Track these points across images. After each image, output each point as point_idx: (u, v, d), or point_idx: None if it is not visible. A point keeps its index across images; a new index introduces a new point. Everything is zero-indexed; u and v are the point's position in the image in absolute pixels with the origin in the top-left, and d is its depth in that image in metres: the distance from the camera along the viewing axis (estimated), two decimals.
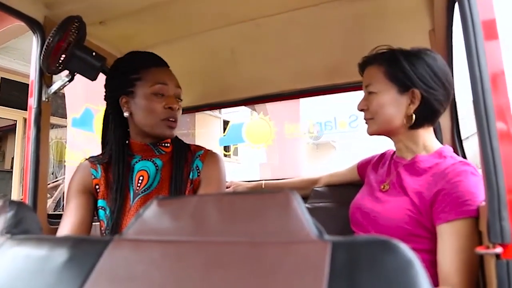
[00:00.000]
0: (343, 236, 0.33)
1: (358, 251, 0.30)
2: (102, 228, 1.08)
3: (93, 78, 1.13)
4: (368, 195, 1.06)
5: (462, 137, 1.32)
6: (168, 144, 1.12)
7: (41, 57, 1.07)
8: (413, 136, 0.99)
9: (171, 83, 1.07)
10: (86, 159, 1.14)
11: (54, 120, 5.49)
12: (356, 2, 1.18)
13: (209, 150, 1.15)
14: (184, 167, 1.09)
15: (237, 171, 8.03)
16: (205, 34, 1.36)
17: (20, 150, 5.86)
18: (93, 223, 1.10)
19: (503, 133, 0.62)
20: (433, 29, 1.22)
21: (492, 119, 0.61)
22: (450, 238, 0.82)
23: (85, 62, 1.10)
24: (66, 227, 1.01)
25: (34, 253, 0.41)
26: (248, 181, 1.65)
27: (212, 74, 1.64)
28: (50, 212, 1.33)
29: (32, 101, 1.15)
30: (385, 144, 1.21)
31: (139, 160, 1.09)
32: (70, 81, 1.15)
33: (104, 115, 1.14)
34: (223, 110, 8.23)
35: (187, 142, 1.18)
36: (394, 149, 1.09)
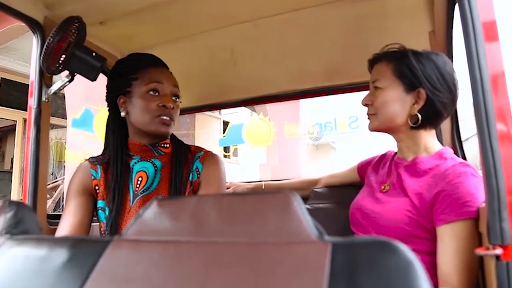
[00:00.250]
0: (343, 237, 0.33)
1: (358, 252, 0.30)
2: (101, 229, 1.08)
3: (93, 78, 1.13)
4: (368, 196, 1.06)
5: (462, 139, 1.32)
6: (168, 145, 1.12)
7: (41, 58, 1.06)
8: (414, 137, 0.99)
9: (166, 82, 1.07)
10: (86, 159, 1.14)
11: (54, 120, 5.49)
12: (356, 3, 1.18)
13: (209, 152, 1.15)
14: (184, 168, 1.09)
15: (237, 172, 8.03)
16: (205, 35, 1.36)
17: (20, 150, 5.85)
18: (93, 224, 1.10)
19: (503, 134, 0.62)
20: (433, 30, 1.23)
21: (492, 120, 0.61)
22: (450, 239, 0.82)
23: (85, 63, 1.10)
24: (65, 228, 1.01)
25: (34, 254, 0.41)
26: (248, 182, 1.65)
27: (212, 75, 1.64)
28: (50, 213, 1.33)
29: (32, 102, 1.15)
30: (385, 145, 1.21)
31: (138, 161, 1.09)
32: (70, 81, 1.15)
33: (108, 117, 1.16)
34: (223, 111, 8.24)
35: (187, 143, 1.18)
36: (395, 150, 1.09)
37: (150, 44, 1.41)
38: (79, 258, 0.38)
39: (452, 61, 1.19)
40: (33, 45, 1.17)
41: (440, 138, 1.27)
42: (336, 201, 1.38)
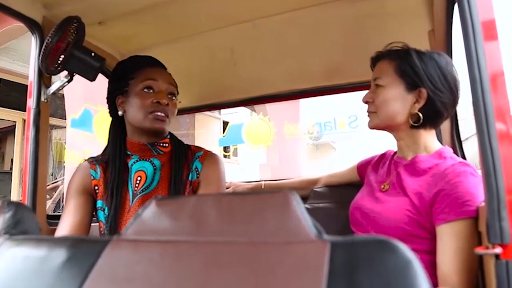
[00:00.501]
0: (342, 236, 0.33)
1: (357, 251, 0.30)
2: (101, 229, 1.08)
3: (92, 78, 1.13)
4: (368, 195, 1.06)
5: (462, 138, 1.32)
6: (167, 144, 1.12)
7: (40, 58, 1.06)
8: (414, 136, 0.99)
9: (161, 80, 1.08)
10: (86, 160, 1.14)
11: (53, 121, 5.49)
12: (356, 2, 1.18)
13: (209, 151, 1.15)
14: (183, 168, 1.09)
15: (237, 172, 8.03)
16: (204, 35, 1.36)
17: (20, 151, 5.85)
18: (93, 224, 1.10)
19: (502, 133, 0.62)
20: (432, 30, 1.23)
21: (491, 119, 0.61)
22: (449, 238, 0.82)
23: (84, 63, 1.10)
24: (64, 228, 1.01)
25: (33, 254, 0.41)
26: (248, 182, 1.65)
27: (212, 75, 1.64)
28: (50, 213, 1.33)
29: (31, 102, 1.15)
30: (385, 145, 1.21)
31: (137, 161, 1.09)
32: (69, 81, 1.15)
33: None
34: (222, 111, 8.24)
35: (187, 143, 1.19)
36: (395, 149, 1.09)
37: (149, 44, 1.41)
38: (78, 258, 0.38)
39: (451, 60, 1.19)
40: (32, 46, 1.17)
41: (439, 138, 1.27)
42: (335, 200, 1.38)
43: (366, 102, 1.05)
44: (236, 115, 7.60)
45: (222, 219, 0.37)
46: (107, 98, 1.15)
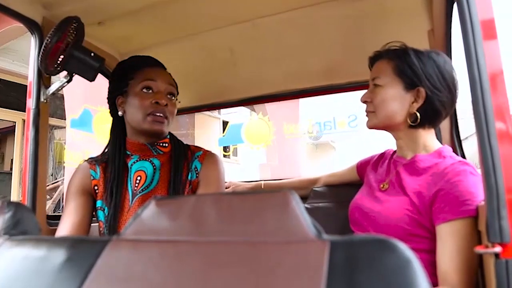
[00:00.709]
0: (341, 236, 0.33)
1: (357, 251, 0.30)
2: (101, 229, 1.08)
3: (91, 78, 1.13)
4: (367, 195, 1.06)
5: (461, 138, 1.32)
6: (166, 144, 1.12)
7: (39, 58, 1.06)
8: (413, 135, 0.99)
9: (160, 80, 1.08)
10: (85, 160, 1.14)
11: (53, 121, 5.49)
12: (355, 2, 1.18)
13: (208, 151, 1.15)
14: (183, 167, 1.09)
15: (237, 172, 8.03)
16: (204, 35, 1.36)
17: (20, 151, 5.85)
18: (92, 224, 1.10)
19: (502, 132, 0.62)
20: (432, 29, 1.22)
21: (491, 118, 0.61)
22: (449, 237, 0.82)
23: (83, 63, 1.10)
24: (64, 228, 1.01)
25: (33, 254, 0.41)
26: (248, 182, 1.65)
27: (211, 75, 1.64)
28: (50, 214, 1.33)
29: (31, 102, 1.15)
30: (384, 144, 1.21)
31: (136, 160, 1.09)
32: (68, 82, 1.15)
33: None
34: (222, 110, 8.24)
35: (187, 143, 1.19)
36: (394, 148, 1.09)
37: (149, 44, 1.41)
38: (78, 258, 0.38)
39: (451, 59, 1.19)
40: (31, 46, 1.17)
41: (439, 137, 1.27)
42: (335, 200, 1.38)
43: (364, 102, 1.05)
44: (235, 115, 7.61)
45: (221, 219, 0.37)
46: (107, 98, 1.15)
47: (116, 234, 0.39)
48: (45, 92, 1.16)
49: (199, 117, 7.65)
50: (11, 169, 6.18)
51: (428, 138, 0.99)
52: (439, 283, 0.82)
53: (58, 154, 5.97)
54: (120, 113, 1.10)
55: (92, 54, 1.11)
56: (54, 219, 1.25)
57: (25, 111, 1.18)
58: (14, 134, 5.99)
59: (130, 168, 1.09)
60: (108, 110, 1.16)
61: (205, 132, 7.80)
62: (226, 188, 1.60)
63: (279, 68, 1.56)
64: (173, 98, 1.11)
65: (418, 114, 0.95)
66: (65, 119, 4.14)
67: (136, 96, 1.06)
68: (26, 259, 0.40)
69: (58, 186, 5.20)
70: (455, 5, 0.76)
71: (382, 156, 1.18)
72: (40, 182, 1.13)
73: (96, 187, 1.09)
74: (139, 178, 1.07)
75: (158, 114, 1.05)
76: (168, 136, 1.14)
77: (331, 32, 1.33)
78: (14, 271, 0.40)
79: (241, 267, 0.32)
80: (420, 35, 1.25)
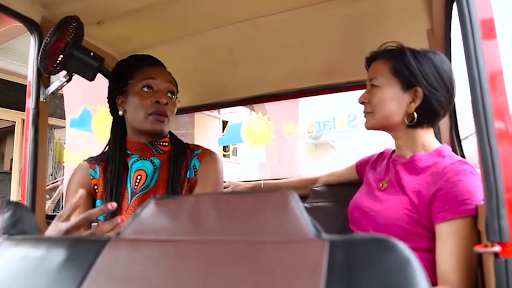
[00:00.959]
0: (340, 235, 0.33)
1: (356, 250, 0.30)
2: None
3: (91, 78, 1.13)
4: (366, 194, 1.06)
5: (461, 137, 1.32)
6: (166, 143, 1.12)
7: (39, 58, 1.06)
8: (411, 135, 0.99)
9: (160, 78, 1.08)
10: (85, 160, 1.14)
11: (53, 121, 5.49)
12: (354, 1, 1.18)
13: (207, 149, 1.15)
14: (182, 167, 1.09)
15: (236, 172, 8.04)
16: (203, 34, 1.36)
17: (19, 151, 5.85)
18: (92, 223, 1.10)
19: (501, 132, 0.62)
20: (431, 29, 1.22)
21: (490, 118, 0.61)
22: (449, 237, 0.82)
23: (83, 63, 1.10)
24: None
25: (32, 254, 0.41)
26: (247, 181, 1.65)
27: (211, 74, 1.64)
28: (49, 213, 1.33)
29: (30, 102, 1.15)
30: (384, 144, 1.21)
31: (137, 160, 1.09)
32: (68, 81, 1.15)
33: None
34: (221, 110, 8.24)
35: (186, 142, 1.19)
36: (394, 147, 1.09)
37: (148, 44, 1.41)
38: (77, 257, 0.38)
39: (450, 59, 1.18)
40: (30, 46, 1.17)
41: (438, 136, 1.27)
42: (335, 199, 1.38)
43: (362, 103, 1.05)
44: (235, 114, 7.61)
45: (220, 218, 0.37)
46: (107, 98, 1.15)
47: (115, 234, 0.39)
48: (44, 92, 1.16)
49: (198, 116, 7.66)
50: (11, 168, 6.18)
51: (427, 138, 0.99)
52: (438, 282, 0.82)
53: (58, 154, 5.97)
54: (120, 112, 1.10)
55: (92, 53, 1.11)
56: (53, 219, 1.24)
57: (24, 111, 1.18)
58: (14, 134, 5.99)
59: (130, 167, 1.09)
60: (108, 110, 1.16)
61: (204, 131, 7.80)
62: (226, 187, 1.60)
63: (279, 68, 1.56)
64: (173, 96, 1.11)
65: (416, 114, 0.95)
66: (64, 119, 4.14)
67: (136, 95, 1.06)
68: (25, 259, 0.40)
69: (57, 186, 5.20)
70: (454, 5, 0.76)
71: (381, 155, 1.18)
72: (39, 182, 1.13)
73: (95, 187, 1.10)
74: (139, 177, 1.07)
75: (159, 114, 1.05)
76: (168, 135, 1.14)
77: (330, 31, 1.33)
78: (13, 270, 0.40)
79: (241, 267, 0.32)
80: (420, 34, 1.25)
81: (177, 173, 1.08)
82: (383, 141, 1.21)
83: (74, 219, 0.76)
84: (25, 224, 0.48)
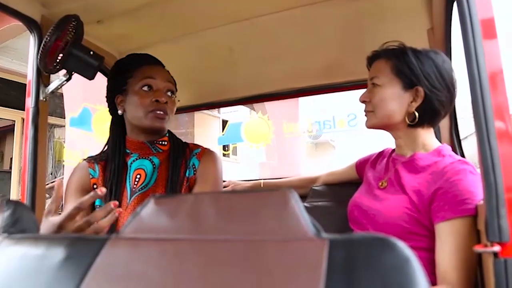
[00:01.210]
0: (340, 234, 0.33)
1: (356, 249, 0.30)
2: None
3: (91, 77, 1.13)
4: (366, 193, 1.06)
5: (461, 137, 1.32)
6: (165, 142, 1.12)
7: (39, 57, 1.06)
8: (412, 134, 0.99)
9: (160, 78, 1.09)
10: (84, 159, 1.15)
11: (53, 120, 5.48)
12: (354, 0, 1.18)
13: (206, 149, 1.15)
14: (181, 166, 1.09)
15: (236, 171, 8.03)
16: (203, 33, 1.36)
17: (19, 150, 5.85)
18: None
19: (501, 132, 0.62)
20: (431, 28, 1.22)
21: (490, 118, 0.61)
22: (448, 236, 0.82)
23: (82, 61, 1.10)
24: None
25: (31, 252, 0.41)
26: (247, 181, 1.65)
27: (210, 73, 1.64)
28: None
29: (30, 101, 1.15)
30: (384, 143, 1.21)
31: (136, 159, 1.09)
32: (67, 80, 1.15)
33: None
34: (221, 110, 8.24)
35: (186, 141, 1.19)
36: (394, 147, 1.09)
37: (148, 42, 1.41)
38: (76, 256, 0.38)
39: (450, 59, 1.18)
40: (30, 44, 1.17)
41: (438, 136, 1.27)
42: (334, 199, 1.38)
43: (363, 102, 1.05)
44: (235, 113, 7.61)
45: (220, 217, 0.37)
46: (106, 97, 1.15)
47: (115, 233, 0.39)
48: (44, 91, 1.16)
49: (198, 116, 7.65)
50: (11, 168, 6.18)
51: (427, 137, 0.99)
52: (438, 281, 0.82)
53: (58, 153, 5.97)
54: (120, 111, 1.10)
55: (91, 52, 1.11)
56: None
57: (24, 110, 1.18)
58: (14, 133, 5.98)
59: (130, 166, 1.09)
60: (107, 109, 1.16)
61: (204, 131, 7.80)
62: (225, 187, 1.60)
63: (279, 67, 1.55)
64: (172, 95, 1.11)
65: (417, 114, 0.96)
66: (64, 118, 4.14)
67: (136, 94, 1.06)
68: (25, 257, 0.40)
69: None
70: (455, 4, 0.76)
71: (380, 154, 1.18)
72: (39, 181, 1.13)
73: (95, 186, 1.09)
74: (138, 176, 1.08)
75: (159, 111, 1.06)
76: (167, 134, 1.14)
77: (330, 30, 1.33)
78: (13, 269, 0.40)
79: (240, 266, 0.32)
80: (420, 34, 1.24)
81: (176, 172, 1.08)
82: (383, 141, 1.21)
83: (66, 211, 0.76)
84: (25, 223, 0.48)
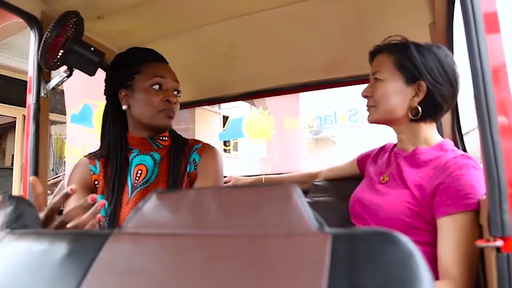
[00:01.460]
0: (343, 229, 0.33)
1: (359, 243, 0.30)
2: (100, 222, 1.08)
3: (91, 73, 1.13)
4: (367, 188, 1.06)
5: (463, 132, 1.32)
6: (166, 138, 1.12)
7: (39, 53, 1.06)
8: (414, 129, 0.99)
9: (169, 77, 1.09)
10: (85, 156, 1.14)
11: (53, 116, 5.49)
12: None
13: (207, 144, 1.15)
14: (181, 161, 1.09)
15: (237, 166, 8.04)
16: (204, 29, 1.35)
17: (20, 147, 5.86)
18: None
19: (504, 126, 0.61)
20: (433, 22, 1.22)
21: (493, 112, 0.61)
22: (450, 231, 0.82)
23: (83, 57, 1.10)
24: None
25: (34, 248, 0.41)
26: (248, 176, 1.65)
27: (211, 69, 1.64)
28: None
29: (31, 97, 1.15)
30: (386, 138, 1.21)
31: (137, 155, 1.09)
32: (68, 76, 1.15)
33: (104, 110, 1.16)
34: (222, 106, 8.23)
35: (186, 137, 1.19)
36: (395, 142, 1.09)
37: (149, 38, 1.40)
38: (79, 251, 0.38)
39: (452, 53, 1.18)
40: (31, 41, 1.16)
41: (440, 131, 1.26)
42: (336, 194, 1.38)
43: (365, 97, 1.04)
44: (235, 109, 7.60)
45: (222, 212, 0.37)
46: (106, 90, 1.13)
47: (117, 228, 0.40)
48: (45, 87, 1.16)
49: (199, 112, 7.65)
50: (12, 164, 6.19)
51: (430, 132, 0.99)
52: (439, 276, 0.82)
53: (59, 149, 5.98)
54: (124, 107, 1.08)
55: (92, 48, 1.11)
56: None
57: (25, 107, 1.18)
58: (15, 130, 5.99)
59: (131, 162, 1.09)
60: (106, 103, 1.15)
61: (205, 126, 7.81)
62: (227, 182, 1.61)
63: (280, 62, 1.55)
64: (178, 94, 1.12)
65: (420, 108, 0.95)
66: (64, 114, 4.15)
67: (145, 92, 1.05)
68: (28, 253, 0.40)
69: (59, 181, 5.21)
70: None
71: (382, 149, 1.18)
72: (41, 177, 1.13)
73: (96, 182, 1.10)
74: (139, 172, 1.08)
75: (168, 111, 1.06)
76: (168, 130, 1.14)
77: (331, 25, 1.32)
78: (16, 264, 0.40)
79: (243, 260, 0.32)
80: (421, 28, 1.24)
81: (177, 168, 1.08)
82: (385, 136, 1.21)
83: (66, 208, 0.74)
84: (28, 218, 0.48)
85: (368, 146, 1.34)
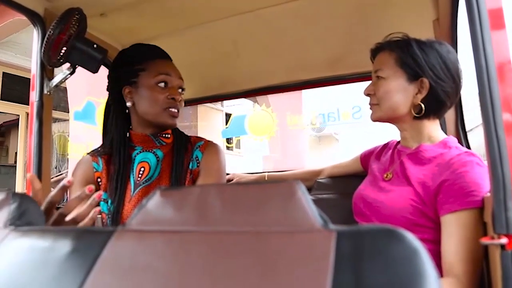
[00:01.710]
0: (348, 226, 0.32)
1: (364, 240, 0.30)
2: (103, 220, 1.09)
3: (94, 70, 1.13)
4: (371, 185, 1.06)
5: (466, 129, 1.31)
6: (169, 135, 1.12)
7: (42, 50, 1.06)
8: (417, 126, 0.99)
9: (174, 74, 1.08)
10: (88, 153, 1.14)
11: (56, 114, 5.50)
12: None
13: (209, 141, 1.15)
14: (184, 158, 1.09)
15: (240, 164, 8.04)
16: (207, 26, 1.35)
17: (23, 144, 5.88)
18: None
19: (509, 123, 0.61)
20: (437, 19, 1.21)
21: (498, 109, 0.60)
22: (454, 228, 0.81)
23: (86, 55, 1.10)
24: None
25: (38, 245, 0.41)
26: (251, 173, 1.65)
27: (214, 66, 1.63)
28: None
29: (34, 95, 1.15)
30: (389, 136, 1.21)
31: (140, 152, 1.09)
32: (71, 73, 1.15)
33: (106, 107, 1.16)
34: (225, 103, 8.23)
35: (189, 135, 1.19)
36: (398, 139, 1.09)
37: (152, 35, 1.40)
38: (83, 248, 0.38)
39: (456, 50, 1.17)
40: (33, 38, 1.17)
41: (444, 128, 1.26)
42: (339, 191, 1.38)
43: (367, 95, 1.04)
44: (238, 107, 7.60)
45: (226, 209, 0.37)
46: (109, 86, 1.13)
47: (121, 225, 0.40)
48: (48, 85, 1.16)
49: (202, 109, 7.65)
50: (15, 162, 6.23)
51: (433, 129, 0.99)
52: (443, 274, 0.82)
53: (62, 147, 6.00)
54: (128, 103, 1.08)
55: (95, 45, 1.11)
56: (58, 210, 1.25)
57: (28, 104, 1.18)
58: (18, 127, 6.02)
59: (134, 159, 1.09)
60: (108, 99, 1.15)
61: (208, 124, 7.81)
62: (230, 180, 1.61)
63: (282, 59, 1.55)
64: (182, 92, 1.12)
65: (423, 105, 0.95)
66: (67, 112, 4.16)
67: (151, 89, 1.05)
68: (32, 250, 0.40)
69: (62, 179, 5.23)
70: None
71: (385, 146, 1.18)
72: (44, 175, 1.13)
73: (99, 179, 1.10)
74: (142, 169, 1.08)
75: (173, 109, 1.06)
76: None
77: (335, 22, 1.32)
78: (20, 261, 0.40)
79: (247, 257, 0.32)
80: (425, 25, 1.23)
81: (179, 165, 1.08)
82: (388, 133, 1.21)
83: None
84: (31, 215, 0.49)
85: (371, 143, 1.34)
